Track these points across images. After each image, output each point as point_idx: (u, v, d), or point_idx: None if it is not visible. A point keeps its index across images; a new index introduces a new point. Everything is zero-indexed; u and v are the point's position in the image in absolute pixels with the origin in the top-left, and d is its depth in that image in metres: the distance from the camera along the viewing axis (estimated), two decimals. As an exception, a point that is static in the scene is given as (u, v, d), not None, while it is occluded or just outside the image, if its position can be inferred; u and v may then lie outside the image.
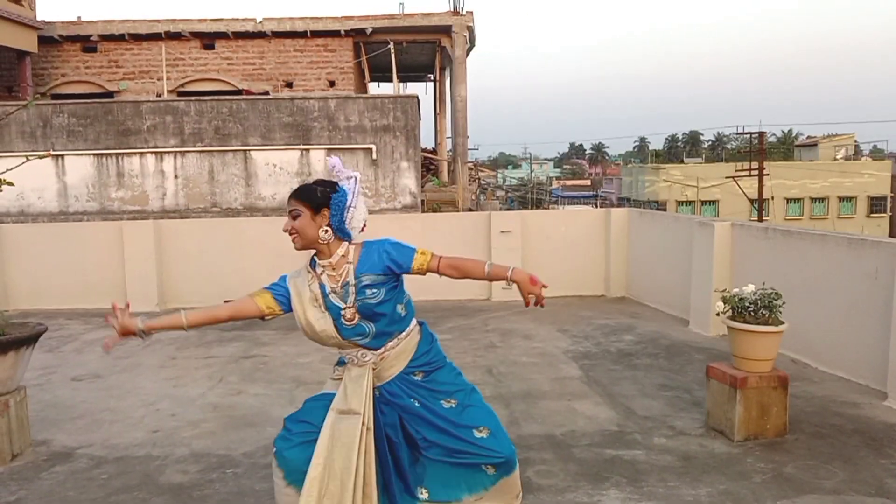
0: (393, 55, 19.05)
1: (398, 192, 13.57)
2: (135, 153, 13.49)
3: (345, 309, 2.90)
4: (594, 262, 9.98)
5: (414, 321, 3.11)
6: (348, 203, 2.94)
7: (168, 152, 13.51)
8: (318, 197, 2.91)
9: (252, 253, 9.78)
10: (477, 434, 3.00)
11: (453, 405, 3.02)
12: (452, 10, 19.20)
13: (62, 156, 13.44)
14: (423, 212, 14.25)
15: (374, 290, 2.90)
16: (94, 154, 13.48)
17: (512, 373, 6.18)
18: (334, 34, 18.85)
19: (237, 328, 8.27)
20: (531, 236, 9.92)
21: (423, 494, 3.01)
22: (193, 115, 13.57)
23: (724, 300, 4.62)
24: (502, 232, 9.76)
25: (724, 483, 3.95)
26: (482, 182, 43.26)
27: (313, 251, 3.01)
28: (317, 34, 18.82)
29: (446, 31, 18.98)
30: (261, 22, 18.73)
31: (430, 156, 20.70)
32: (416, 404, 3.00)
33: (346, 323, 2.91)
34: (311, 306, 2.94)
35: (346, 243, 2.97)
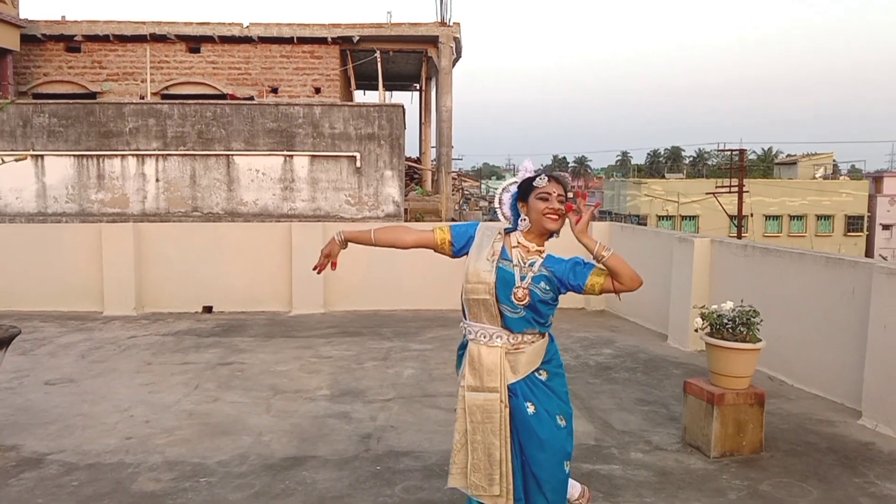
0: (379, 64, 19.06)
1: (381, 201, 13.54)
2: (116, 155, 13.37)
3: (518, 287, 2.87)
4: (575, 275, 9.99)
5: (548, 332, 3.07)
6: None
7: (150, 155, 13.40)
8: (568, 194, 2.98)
9: (232, 258, 9.71)
10: (566, 467, 2.96)
11: (562, 426, 2.95)
12: (440, 20, 19.26)
13: (42, 156, 13.29)
14: (406, 221, 14.22)
15: (548, 288, 2.91)
16: (74, 155, 13.35)
17: (491, 385, 6.15)
18: (321, 41, 18.84)
19: (214, 335, 8.20)
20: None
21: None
22: (177, 118, 13.48)
23: (703, 316, 4.63)
24: (484, 243, 9.75)
25: (700, 499, 3.96)
26: (466, 192, 43.31)
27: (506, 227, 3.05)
28: (303, 41, 18.80)
29: (433, 41, 19.04)
30: (247, 27, 18.68)
31: (414, 165, 20.70)
32: (531, 411, 2.89)
33: (515, 300, 2.87)
34: (485, 259, 2.93)
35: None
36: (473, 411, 2.90)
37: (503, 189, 3.11)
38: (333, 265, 3.05)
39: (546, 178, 2.95)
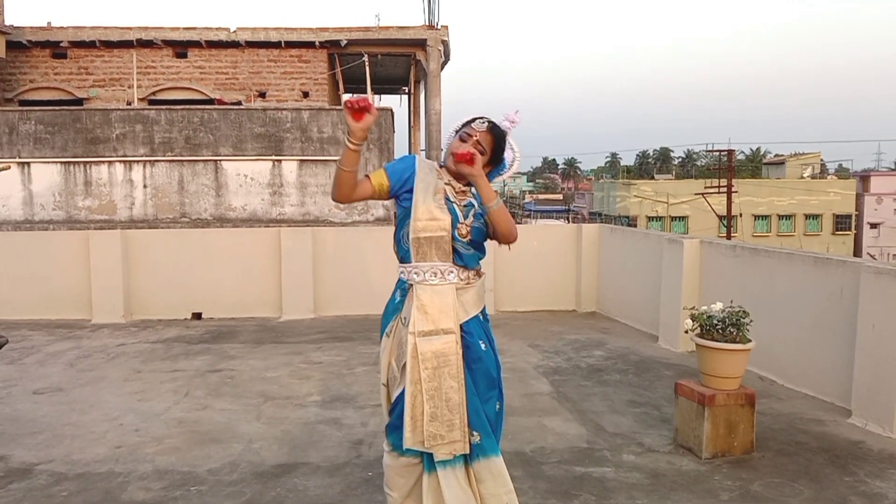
0: (367, 67, 19.06)
1: (371, 205, 13.53)
2: (103, 162, 13.31)
3: (461, 224, 2.89)
4: (565, 278, 10.03)
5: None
6: (504, 173, 3.09)
7: (137, 161, 13.34)
8: (499, 153, 2.99)
9: (222, 264, 9.68)
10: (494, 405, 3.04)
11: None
12: (428, 23, 19.29)
13: (28, 163, 13.21)
14: (395, 224, 14.20)
15: (483, 221, 2.93)
16: (61, 162, 13.28)
17: (482, 388, 6.15)
18: (309, 45, 18.83)
19: (204, 342, 8.17)
20: (503, 251, 9.84)
21: (476, 438, 2.96)
22: (164, 123, 13.43)
23: (693, 318, 4.65)
24: (474, 246, 9.76)
25: (692, 501, 3.96)
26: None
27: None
28: (291, 45, 18.78)
29: (421, 44, 19.06)
30: (235, 31, 18.64)
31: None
32: (484, 348, 2.94)
33: (459, 236, 2.90)
34: (433, 196, 2.88)
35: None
36: (428, 358, 2.80)
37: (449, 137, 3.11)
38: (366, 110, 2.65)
39: (483, 123, 2.94)
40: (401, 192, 2.94)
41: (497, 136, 2.95)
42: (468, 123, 2.97)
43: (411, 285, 2.94)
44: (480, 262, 3.04)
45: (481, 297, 3.01)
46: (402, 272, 3.01)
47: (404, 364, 2.89)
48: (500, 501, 3.00)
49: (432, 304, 2.85)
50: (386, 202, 13.59)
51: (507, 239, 2.92)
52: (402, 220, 2.98)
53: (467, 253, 2.93)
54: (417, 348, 2.81)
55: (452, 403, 2.84)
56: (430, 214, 2.85)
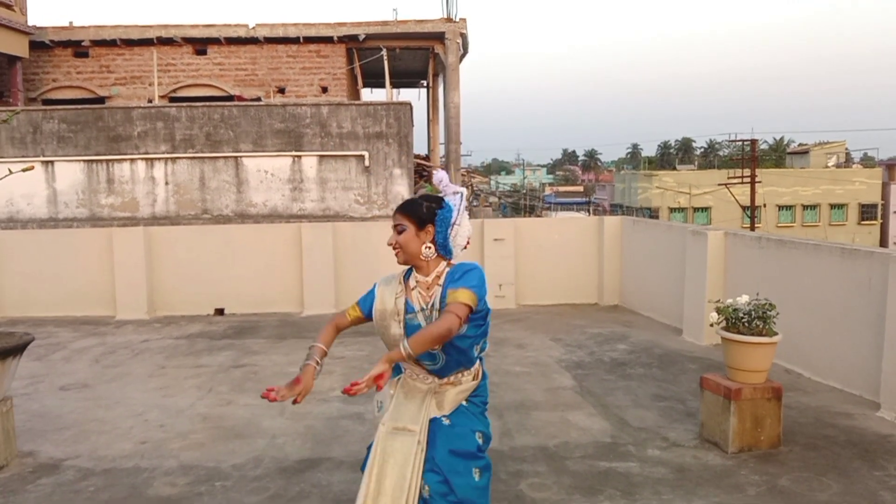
0: (386, 61, 19.04)
1: (391, 199, 13.53)
2: (125, 159, 13.42)
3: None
4: (587, 271, 9.97)
5: (479, 362, 2.96)
6: (453, 220, 2.86)
7: (159, 158, 13.44)
8: (423, 212, 2.82)
9: (243, 260, 9.74)
10: (475, 475, 2.79)
11: (479, 441, 2.84)
12: (446, 16, 19.22)
13: (52, 162, 13.36)
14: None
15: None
16: (84, 160, 13.40)
17: (505, 383, 6.15)
18: (327, 40, 18.83)
19: (227, 337, 8.22)
20: (524, 244, 9.90)
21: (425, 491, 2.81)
22: (184, 120, 13.51)
23: (718, 310, 4.60)
24: (495, 240, 9.74)
25: (719, 496, 3.93)
26: (475, 188, 43.27)
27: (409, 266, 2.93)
28: (309, 40, 18.80)
29: (439, 37, 18.99)
30: (253, 28, 18.70)
31: (422, 162, 20.67)
32: (446, 423, 2.81)
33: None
34: (392, 319, 2.85)
35: (445, 263, 2.87)
36: (388, 454, 2.75)
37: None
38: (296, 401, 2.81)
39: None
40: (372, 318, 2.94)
41: (407, 208, 2.86)
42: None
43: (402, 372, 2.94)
44: (468, 359, 2.84)
45: (465, 394, 2.88)
46: None
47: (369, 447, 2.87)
48: None
49: (407, 403, 2.84)
50: (406, 196, 13.59)
51: (443, 334, 2.66)
52: None
53: (435, 367, 2.81)
54: (384, 443, 2.77)
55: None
56: (387, 334, 2.85)
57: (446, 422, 2.81)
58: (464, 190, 2.98)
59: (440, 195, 2.94)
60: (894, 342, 5.16)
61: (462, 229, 2.89)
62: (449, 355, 2.80)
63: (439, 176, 2.99)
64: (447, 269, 2.85)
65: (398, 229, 2.84)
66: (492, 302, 9.71)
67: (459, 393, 2.87)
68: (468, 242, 2.95)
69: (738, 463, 4.36)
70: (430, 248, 2.83)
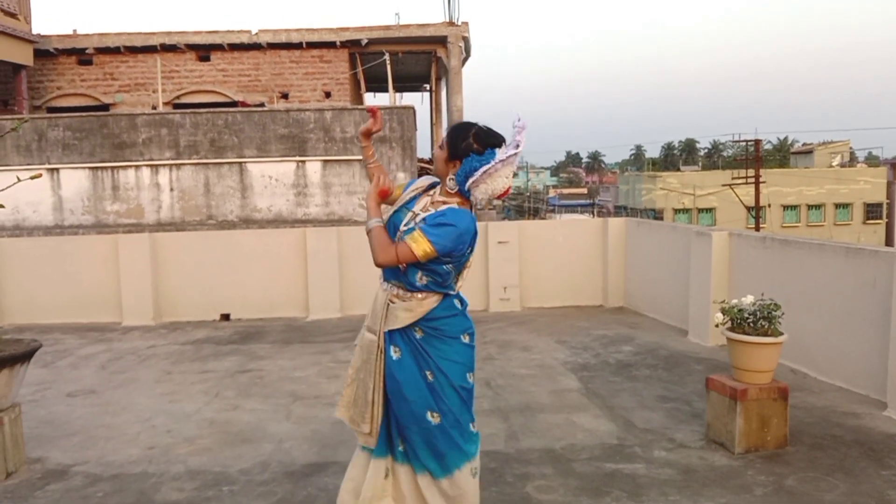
0: (388, 66, 19.09)
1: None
2: (130, 166, 13.49)
3: (400, 230, 2.96)
4: (592, 273, 9.97)
5: (438, 296, 2.98)
6: (481, 170, 2.82)
7: (163, 165, 13.50)
8: (459, 146, 2.90)
9: (248, 266, 9.76)
10: (429, 417, 2.95)
11: (430, 379, 2.95)
12: (448, 20, 19.27)
13: (57, 169, 13.43)
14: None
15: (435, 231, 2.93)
16: (89, 167, 13.48)
17: (510, 385, 6.15)
18: (330, 45, 18.90)
19: (233, 342, 8.24)
20: (528, 247, 9.90)
21: (401, 447, 3.04)
22: (189, 127, 13.57)
23: (724, 311, 4.60)
24: (499, 242, 9.75)
25: (725, 496, 3.93)
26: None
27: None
28: (312, 45, 18.87)
29: (442, 41, 19.05)
30: (256, 34, 18.78)
31: (427, 166, 20.70)
32: (395, 356, 2.96)
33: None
34: (396, 200, 3.09)
35: (459, 199, 2.95)
36: (362, 348, 3.06)
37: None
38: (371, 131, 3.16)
39: None
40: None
41: (452, 132, 2.98)
42: None
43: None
44: (438, 283, 2.93)
45: (418, 314, 2.95)
46: None
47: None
48: None
49: (375, 303, 3.07)
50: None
51: (375, 257, 2.90)
52: None
53: (410, 269, 2.92)
54: (361, 337, 3.09)
55: (363, 400, 3.03)
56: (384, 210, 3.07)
57: (396, 355, 2.98)
58: (520, 149, 2.87)
59: (500, 136, 2.92)
60: (900, 341, 5.15)
61: (489, 184, 2.86)
62: (407, 269, 2.96)
63: (522, 123, 2.90)
64: (449, 207, 2.91)
65: (440, 144, 3.00)
66: (496, 305, 9.72)
67: (407, 312, 2.95)
68: (493, 199, 2.94)
69: (744, 463, 4.36)
70: (452, 179, 2.95)
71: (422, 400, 2.95)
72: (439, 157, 2.99)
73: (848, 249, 5.95)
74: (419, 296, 2.97)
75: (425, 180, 3.13)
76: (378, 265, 2.96)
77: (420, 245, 2.80)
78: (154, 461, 4.69)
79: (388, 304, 2.99)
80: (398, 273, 2.97)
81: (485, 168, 2.83)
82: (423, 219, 2.89)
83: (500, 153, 2.85)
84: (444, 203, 2.94)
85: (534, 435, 4.96)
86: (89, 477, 4.46)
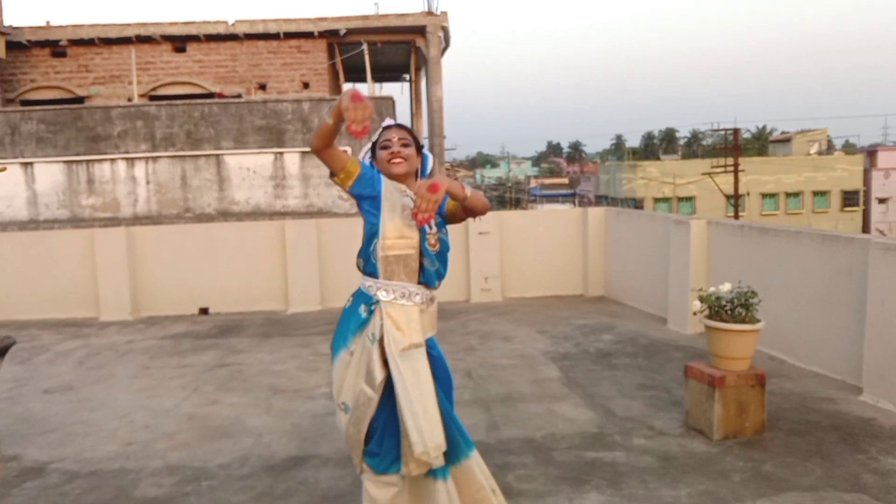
0: (367, 56, 18.99)
1: (375, 195, 13.54)
2: (105, 159, 13.33)
3: (429, 234, 2.95)
4: (572, 262, 10.01)
5: None
6: (429, 169, 3.16)
7: (139, 158, 13.36)
8: (418, 140, 3.09)
9: (227, 259, 9.69)
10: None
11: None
12: (427, 10, 19.20)
13: (31, 164, 13.24)
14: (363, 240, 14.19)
15: (446, 230, 3.08)
16: (64, 161, 13.31)
17: (491, 375, 6.17)
18: (307, 35, 18.77)
19: (212, 336, 8.20)
20: (509, 237, 9.92)
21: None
22: (165, 119, 13.43)
23: (701, 299, 4.64)
24: (480, 233, 9.76)
25: (704, 483, 3.97)
26: (460, 182, 43.20)
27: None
28: (290, 35, 18.73)
29: (421, 31, 18.98)
30: (233, 24, 18.59)
31: (406, 157, 20.67)
32: (437, 355, 3.06)
33: (430, 248, 2.97)
34: (400, 214, 2.93)
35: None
36: (406, 375, 2.83)
37: (361, 157, 3.14)
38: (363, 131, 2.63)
39: (388, 123, 3.07)
40: (360, 194, 2.94)
41: (409, 128, 3.08)
42: (375, 139, 3.11)
43: (377, 301, 2.95)
44: (439, 282, 3.07)
45: (435, 322, 3.12)
46: (368, 287, 3.00)
47: (380, 383, 2.90)
48: (486, 494, 3.06)
49: (404, 321, 2.91)
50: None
51: (484, 211, 3.02)
52: (369, 237, 2.97)
53: (432, 269, 2.99)
54: (399, 366, 2.84)
55: (433, 415, 2.85)
56: (399, 232, 2.92)
57: (435, 351, 3.04)
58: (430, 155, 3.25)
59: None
60: (875, 327, 5.22)
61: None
62: (442, 261, 3.02)
63: (389, 119, 3.20)
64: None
65: (404, 142, 2.99)
66: (477, 295, 9.74)
67: (433, 314, 3.07)
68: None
69: (723, 450, 4.41)
70: (416, 173, 3.10)
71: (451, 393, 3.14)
72: (412, 153, 3.02)
73: (824, 237, 6.01)
74: (433, 298, 3.10)
75: (391, 181, 3.03)
76: (487, 210, 3.02)
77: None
78: (132, 457, 4.65)
79: (423, 311, 2.99)
80: (444, 269, 3.04)
81: (430, 166, 3.21)
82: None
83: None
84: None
85: (514, 424, 4.98)
86: (66, 474, 4.42)
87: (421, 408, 2.81)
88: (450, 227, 3.16)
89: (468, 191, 2.86)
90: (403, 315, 2.91)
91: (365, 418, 2.94)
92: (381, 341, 2.89)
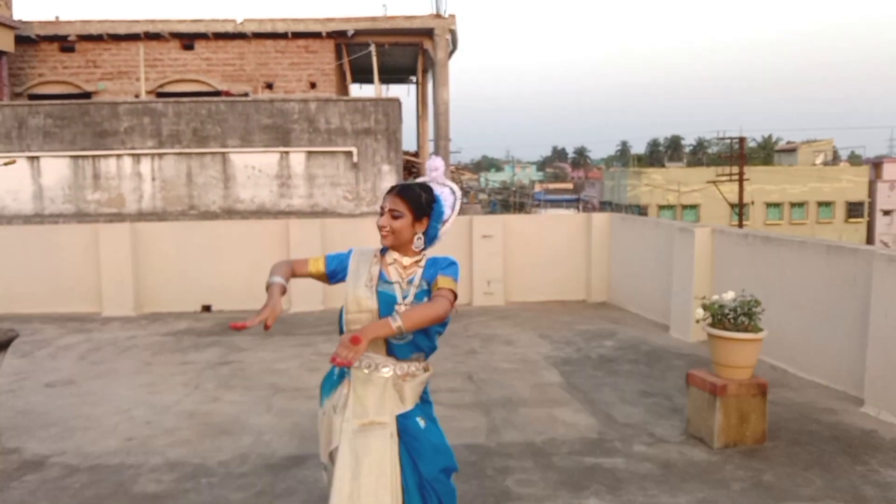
0: (374, 57, 19.00)
1: (379, 196, 13.52)
2: (111, 155, 13.35)
3: (401, 304, 2.75)
4: (576, 267, 10.01)
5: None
6: (445, 217, 2.88)
7: (145, 154, 13.38)
8: (423, 203, 2.80)
9: (230, 257, 9.71)
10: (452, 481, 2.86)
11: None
12: (435, 12, 19.20)
13: (38, 158, 13.28)
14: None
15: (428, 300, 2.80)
16: (70, 156, 13.33)
17: (492, 379, 6.17)
18: (315, 35, 18.78)
19: (214, 334, 8.20)
20: (513, 241, 9.92)
21: None
22: (171, 116, 13.45)
23: (705, 307, 4.63)
24: (483, 237, 9.76)
25: (704, 491, 3.96)
26: (464, 185, 43.29)
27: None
28: (298, 35, 18.73)
29: (428, 33, 18.98)
30: (241, 23, 18.62)
31: (412, 159, 20.67)
32: (422, 424, 2.80)
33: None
34: (364, 285, 2.78)
35: (425, 253, 2.87)
36: (363, 454, 2.67)
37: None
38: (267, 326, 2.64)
39: (390, 192, 2.82)
40: (335, 281, 2.89)
41: (409, 196, 2.80)
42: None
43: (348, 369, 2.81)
44: (427, 352, 2.85)
45: (419, 392, 2.85)
46: None
47: (332, 453, 2.77)
48: None
49: (367, 395, 2.75)
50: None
51: (443, 318, 2.69)
52: (342, 307, 2.86)
53: (399, 343, 2.75)
54: (353, 442, 2.70)
55: (384, 499, 2.67)
56: (359, 305, 2.75)
57: (422, 423, 2.79)
58: (456, 188, 2.97)
59: (429, 183, 2.92)
60: (878, 339, 5.22)
61: (448, 226, 2.91)
62: (415, 334, 2.74)
63: (435, 163, 2.93)
64: (427, 257, 2.86)
65: (394, 214, 2.78)
66: (480, 299, 9.76)
67: (418, 385, 2.83)
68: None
69: (723, 458, 4.40)
70: (420, 239, 2.82)
71: (449, 458, 2.84)
72: (402, 227, 2.76)
73: (829, 247, 6.01)
74: (425, 368, 2.87)
75: (360, 252, 2.90)
76: (441, 320, 2.68)
77: (451, 283, 2.74)
78: (132, 452, 4.66)
79: (397, 384, 2.77)
80: (423, 341, 2.80)
81: (449, 210, 2.90)
82: (423, 279, 2.80)
83: (442, 192, 2.90)
84: (415, 263, 2.84)
85: (515, 429, 4.98)
86: (66, 468, 4.43)
87: (355, 492, 2.63)
88: (452, 230, 3.07)
89: (397, 323, 2.54)
90: (368, 387, 2.75)
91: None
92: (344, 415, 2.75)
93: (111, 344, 7.78)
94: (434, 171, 2.93)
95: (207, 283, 9.66)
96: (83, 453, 4.66)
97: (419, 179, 2.95)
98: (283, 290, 2.79)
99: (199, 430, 5.07)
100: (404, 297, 2.77)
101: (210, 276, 9.65)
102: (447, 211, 2.90)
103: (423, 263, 2.85)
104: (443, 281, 2.74)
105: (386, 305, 2.74)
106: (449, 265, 2.81)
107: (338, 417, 2.76)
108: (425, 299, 2.76)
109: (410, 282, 2.81)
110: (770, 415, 4.72)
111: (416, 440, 2.76)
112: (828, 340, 5.90)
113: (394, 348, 2.77)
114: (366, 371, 2.76)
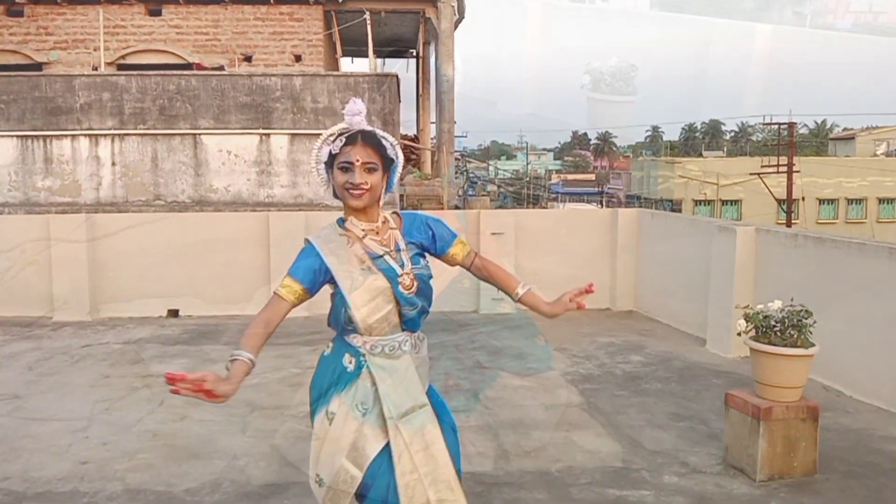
0: (369, 27, 19.01)
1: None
2: (66, 136, 13.38)
3: (402, 275, 2.80)
4: (598, 271, 10.00)
5: None
6: (397, 176, 2.97)
7: (104, 135, 13.40)
8: (393, 152, 2.87)
9: (202, 254, 9.71)
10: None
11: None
12: (438, -24, 19.21)
13: (-20, 138, 13.31)
14: (402, 208, 14.23)
15: (424, 262, 2.93)
16: (17, 136, 13.35)
17: (501, 398, 6.18)
18: (302, 1, 18.80)
19: (182, 343, 8.22)
20: (526, 239, 9.93)
21: None
22: (135, 92, 13.48)
23: (747, 318, 4.63)
24: (493, 234, 9.76)
25: (744, 530, 3.96)
26: (471, 175, 43.33)
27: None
28: (281, 1, 18.75)
29: (431, 0, 18.99)
30: (216, -15, 18.64)
31: (411, 144, 20.69)
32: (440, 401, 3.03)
33: (405, 291, 2.81)
34: (359, 269, 2.80)
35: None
36: (416, 440, 2.78)
37: (316, 150, 2.91)
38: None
39: (349, 139, 2.78)
40: (317, 290, 2.89)
41: (376, 143, 2.81)
42: (334, 151, 2.84)
43: (365, 355, 2.85)
44: (427, 309, 2.96)
45: (425, 369, 3.00)
46: (352, 339, 2.89)
47: (371, 460, 2.79)
48: None
49: (400, 381, 2.83)
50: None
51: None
52: (338, 304, 2.86)
53: (411, 313, 2.85)
54: (402, 434, 2.76)
55: (451, 482, 2.81)
56: (369, 294, 2.78)
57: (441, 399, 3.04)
58: (390, 136, 2.95)
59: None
60: (947, 356, 5.21)
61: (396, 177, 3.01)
62: (423, 299, 2.88)
63: (357, 107, 2.84)
64: (390, 213, 2.93)
65: (370, 167, 2.78)
66: (487, 306, 9.74)
67: (424, 363, 2.98)
68: None
69: (767, 492, 4.40)
70: (383, 190, 2.88)
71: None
72: (377, 182, 2.81)
73: (892, 250, 6.00)
74: (421, 338, 3.03)
75: (324, 240, 2.92)
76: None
77: (462, 244, 3.04)
78: (87, 478, 4.67)
79: (415, 359, 2.91)
80: (419, 312, 2.91)
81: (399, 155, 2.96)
82: (407, 241, 2.91)
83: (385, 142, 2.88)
84: (384, 223, 2.90)
85: (527, 455, 4.98)
86: (11, 495, 4.44)
87: (429, 478, 2.76)
88: (458, 226, 3.12)
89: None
90: (398, 371, 2.84)
91: (344, 499, 2.80)
92: (376, 412, 2.80)
93: (63, 353, 7.79)
94: (356, 116, 2.83)
95: (175, 285, 9.67)
96: (30, 478, 4.67)
97: (336, 127, 2.88)
98: (248, 370, 2.80)
99: (163, 452, 5.08)
100: (402, 265, 2.84)
101: (178, 277, 9.66)
102: (398, 163, 2.94)
103: (393, 223, 2.91)
104: (461, 248, 2.99)
105: (395, 282, 2.82)
106: (436, 223, 2.99)
107: (370, 421, 2.79)
108: (422, 261, 2.90)
109: (398, 250, 2.86)
110: (822, 442, 4.72)
111: (441, 418, 2.91)
112: (890, 358, 5.90)
113: (409, 322, 2.88)
114: (394, 355, 2.84)
